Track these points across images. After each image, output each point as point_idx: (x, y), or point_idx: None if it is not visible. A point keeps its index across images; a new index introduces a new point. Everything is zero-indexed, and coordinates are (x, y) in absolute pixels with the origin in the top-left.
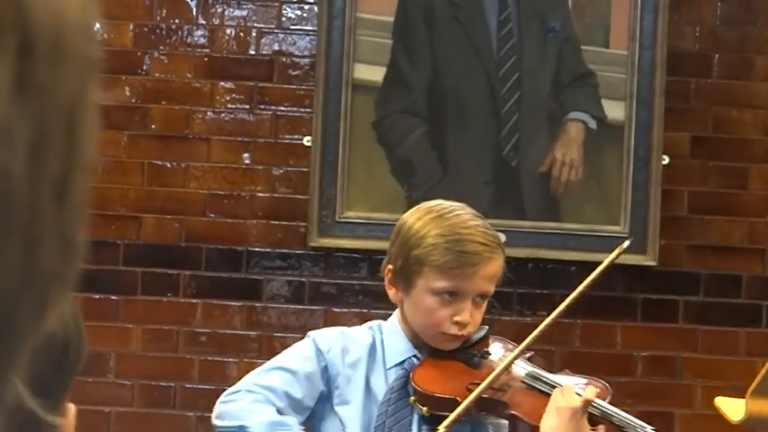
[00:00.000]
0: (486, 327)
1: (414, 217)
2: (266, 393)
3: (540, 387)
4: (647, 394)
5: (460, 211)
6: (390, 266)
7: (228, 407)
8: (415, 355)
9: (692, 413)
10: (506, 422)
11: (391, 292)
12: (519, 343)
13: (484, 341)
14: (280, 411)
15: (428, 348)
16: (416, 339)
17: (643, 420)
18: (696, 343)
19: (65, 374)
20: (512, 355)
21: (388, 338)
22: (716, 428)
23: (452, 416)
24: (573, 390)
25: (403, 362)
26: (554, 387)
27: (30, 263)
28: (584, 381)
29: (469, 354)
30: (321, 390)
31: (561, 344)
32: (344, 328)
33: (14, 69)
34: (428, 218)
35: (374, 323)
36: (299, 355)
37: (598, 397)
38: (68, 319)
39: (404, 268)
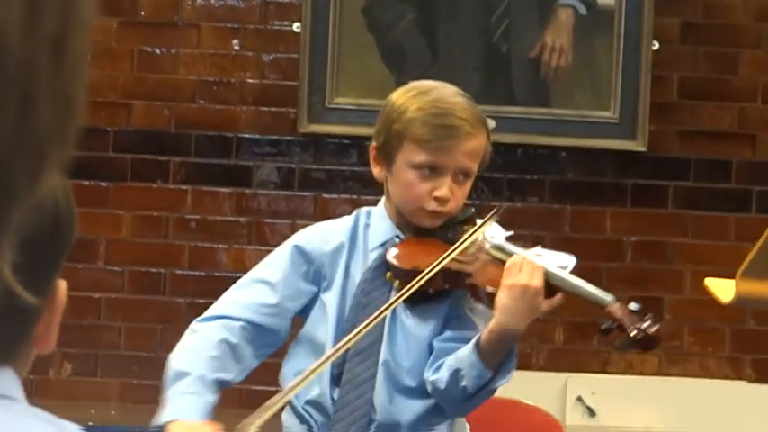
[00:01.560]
0: (473, 209)
1: (397, 94)
2: (228, 309)
3: (500, 257)
4: (637, 280)
5: (443, 89)
6: (374, 144)
7: (186, 333)
8: (397, 236)
9: (681, 298)
10: (483, 306)
11: (375, 171)
12: (511, 227)
13: (469, 222)
14: (252, 325)
15: (411, 229)
16: (400, 220)
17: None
18: (686, 228)
19: (55, 252)
20: (471, 230)
21: (374, 221)
22: (705, 313)
23: (416, 281)
24: (528, 264)
25: (384, 243)
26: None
27: (26, 120)
28: (552, 255)
29: (449, 231)
30: (300, 291)
31: (551, 229)
32: (328, 221)
33: None
34: (410, 94)
35: (363, 209)
36: (274, 265)
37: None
38: (59, 196)
39: (385, 144)
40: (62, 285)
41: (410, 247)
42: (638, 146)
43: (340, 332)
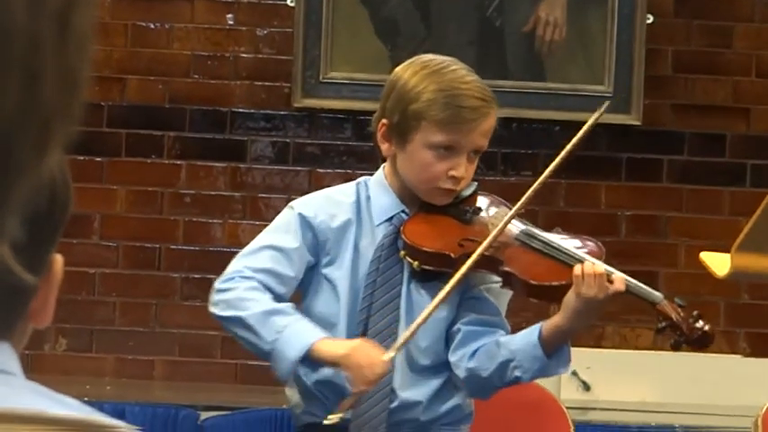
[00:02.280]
0: (476, 183)
1: (409, 72)
2: (260, 277)
3: (534, 245)
4: (632, 254)
5: (455, 66)
6: (385, 121)
7: (225, 295)
8: (403, 211)
9: (675, 272)
10: (498, 285)
11: (384, 147)
12: (506, 201)
13: (472, 197)
14: (274, 295)
15: (417, 203)
16: (404, 195)
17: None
18: (680, 202)
19: (52, 228)
20: (506, 217)
21: (375, 194)
22: (699, 287)
23: (457, 276)
24: (603, 277)
25: (391, 218)
26: (549, 247)
27: (30, 93)
28: (578, 241)
29: (461, 209)
30: (308, 260)
31: (546, 204)
32: (327, 190)
33: None
34: (424, 72)
35: (361, 180)
36: (283, 231)
37: (595, 257)
38: (55, 170)
39: (400, 123)
40: (58, 260)
41: (424, 224)
42: (632, 120)
43: (354, 311)
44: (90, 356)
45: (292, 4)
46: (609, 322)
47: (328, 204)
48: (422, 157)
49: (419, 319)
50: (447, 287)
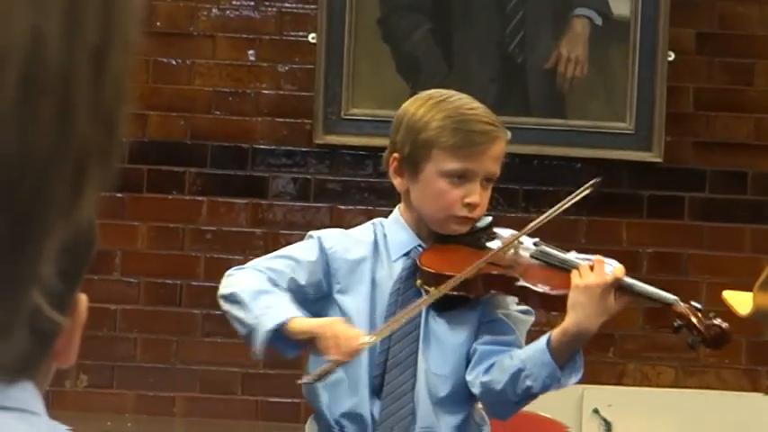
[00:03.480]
0: (491, 217)
1: (415, 105)
2: (270, 274)
3: (549, 260)
4: None
5: (459, 96)
6: (396, 155)
7: (229, 279)
8: (419, 245)
9: None
10: (516, 311)
11: (397, 182)
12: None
13: (489, 229)
14: (275, 286)
15: (432, 238)
16: (420, 229)
17: (649, 319)
18: (701, 239)
19: (78, 267)
20: (517, 234)
21: (391, 231)
22: None
23: (452, 282)
24: (601, 264)
25: (408, 252)
26: (566, 261)
27: (65, 129)
28: (593, 259)
29: (476, 237)
30: (319, 279)
31: (567, 240)
32: (349, 230)
33: None
34: (430, 103)
35: (376, 220)
36: (301, 247)
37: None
38: (91, 215)
39: (411, 154)
40: (83, 299)
41: (440, 252)
42: (653, 157)
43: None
44: (111, 393)
45: (314, 41)
46: (630, 360)
47: (346, 239)
48: (436, 186)
49: (409, 311)
50: (447, 285)
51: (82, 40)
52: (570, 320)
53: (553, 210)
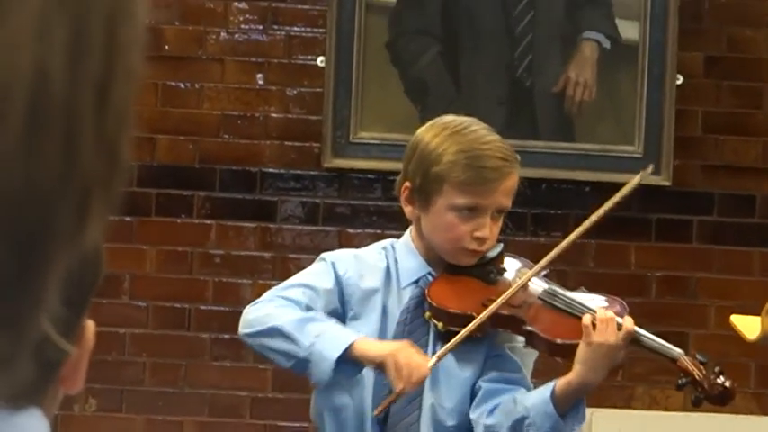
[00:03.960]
0: (502, 244)
1: (430, 134)
2: (290, 303)
3: (557, 304)
4: (662, 314)
5: (476, 126)
6: (408, 184)
7: (254, 314)
8: (429, 273)
9: (705, 333)
10: (522, 344)
11: (408, 210)
12: (534, 263)
13: (499, 258)
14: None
15: (443, 265)
16: (430, 256)
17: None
18: (710, 263)
19: (85, 293)
20: (528, 273)
21: (402, 257)
22: (730, 348)
23: (464, 332)
24: (612, 321)
25: (418, 280)
26: (577, 307)
27: (68, 162)
28: (603, 298)
29: (485, 270)
30: (336, 306)
31: (575, 264)
32: (358, 251)
33: None
34: (445, 134)
35: (387, 242)
36: (316, 273)
37: (619, 316)
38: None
39: (423, 186)
40: (90, 326)
41: (448, 285)
42: (662, 180)
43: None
44: (120, 417)
45: (322, 65)
46: (639, 383)
47: (359, 265)
48: (445, 220)
49: (456, 340)
50: (457, 337)
51: (86, 72)
52: (576, 374)
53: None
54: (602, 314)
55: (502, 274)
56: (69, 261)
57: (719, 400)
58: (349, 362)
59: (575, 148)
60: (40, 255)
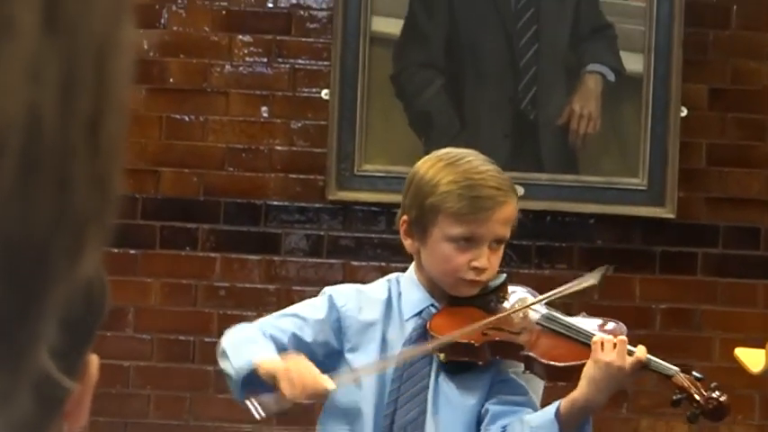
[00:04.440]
0: (505, 275)
1: (426, 166)
2: (272, 331)
3: (555, 328)
4: (666, 347)
5: (471, 157)
6: (405, 217)
7: (229, 335)
8: (432, 305)
9: (710, 365)
10: (529, 372)
11: (407, 243)
12: (539, 293)
13: (502, 288)
14: (280, 349)
15: (446, 297)
16: (433, 289)
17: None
18: (715, 295)
19: (88, 328)
20: (530, 301)
21: (406, 290)
22: (735, 381)
23: (447, 337)
24: (623, 344)
25: (420, 312)
26: (578, 332)
27: (62, 202)
28: (600, 322)
29: (486, 300)
30: (328, 339)
31: (579, 295)
32: (361, 285)
33: (43, 4)
34: (440, 165)
35: (392, 276)
36: (310, 305)
37: (615, 335)
38: (91, 272)
39: (419, 218)
40: (94, 361)
41: (450, 316)
42: (666, 212)
43: (381, 403)
44: None
45: (327, 98)
46: (644, 415)
47: (359, 298)
48: (442, 251)
49: (388, 361)
50: (448, 337)
51: (77, 109)
52: (581, 393)
53: (565, 287)
54: (607, 336)
55: (503, 302)
56: (66, 294)
57: (715, 416)
58: (254, 378)
59: (579, 181)
60: (37, 292)
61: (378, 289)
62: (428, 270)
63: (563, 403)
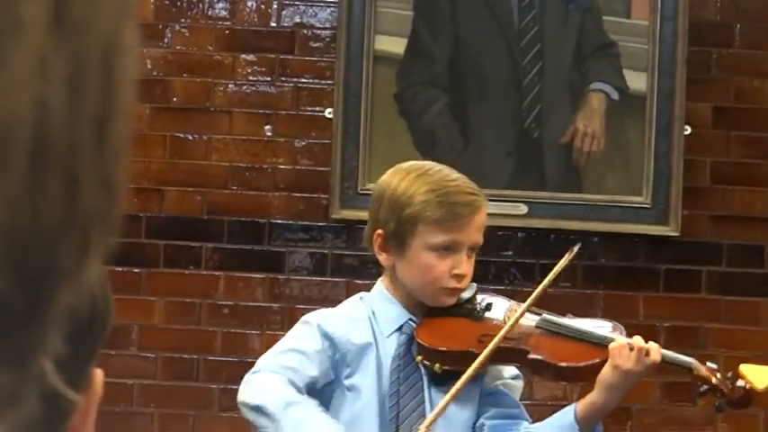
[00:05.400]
0: (475, 285)
1: (396, 179)
2: (286, 373)
3: (557, 330)
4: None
5: (438, 167)
6: (380, 231)
7: (252, 385)
8: (410, 319)
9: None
10: (510, 379)
11: (382, 257)
12: (543, 310)
13: (474, 297)
14: (299, 391)
15: (422, 309)
16: (408, 302)
17: (666, 392)
18: (719, 313)
19: (93, 342)
20: (524, 306)
21: (379, 307)
22: None
23: (471, 368)
24: (643, 350)
25: (401, 327)
26: (576, 331)
27: (70, 200)
28: (596, 322)
29: (469, 309)
30: (328, 369)
31: (583, 314)
32: (337, 308)
33: (51, 1)
34: (411, 177)
35: (362, 295)
36: (302, 338)
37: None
38: (95, 288)
39: (396, 230)
40: (98, 375)
41: (436, 326)
42: (670, 231)
43: (385, 422)
44: None
45: (330, 116)
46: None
47: (344, 321)
48: (423, 260)
49: (437, 409)
50: (465, 375)
51: (84, 107)
52: (600, 396)
53: (544, 283)
54: (631, 341)
55: (488, 309)
56: (71, 298)
57: (741, 404)
58: None
59: (583, 199)
60: (44, 290)
61: (357, 308)
62: (407, 282)
63: (579, 408)
